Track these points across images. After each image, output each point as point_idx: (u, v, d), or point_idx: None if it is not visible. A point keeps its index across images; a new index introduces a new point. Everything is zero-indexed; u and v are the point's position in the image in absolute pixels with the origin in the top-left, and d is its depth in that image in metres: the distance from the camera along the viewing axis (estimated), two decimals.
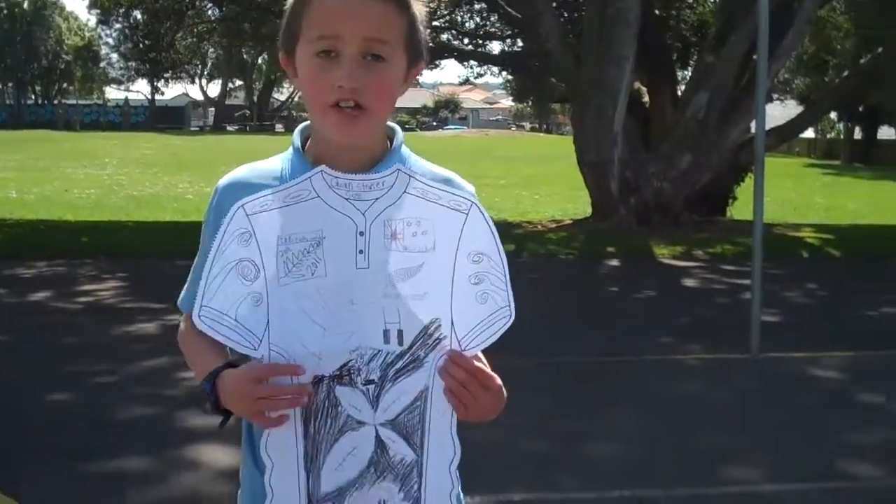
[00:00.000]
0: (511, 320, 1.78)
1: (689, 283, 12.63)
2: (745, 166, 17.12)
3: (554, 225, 18.04)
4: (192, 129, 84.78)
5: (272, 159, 1.92)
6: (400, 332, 1.73)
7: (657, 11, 20.66)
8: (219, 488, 5.08)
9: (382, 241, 1.74)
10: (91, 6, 26.22)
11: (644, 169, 17.09)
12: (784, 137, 20.02)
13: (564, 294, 11.13)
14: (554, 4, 20.02)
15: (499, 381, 1.76)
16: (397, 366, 1.73)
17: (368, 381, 1.73)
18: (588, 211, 18.14)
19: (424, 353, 1.74)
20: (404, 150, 1.88)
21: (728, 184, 18.31)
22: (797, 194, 25.56)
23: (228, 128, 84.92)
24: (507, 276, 1.79)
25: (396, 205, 1.76)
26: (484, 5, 24.75)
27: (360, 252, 1.73)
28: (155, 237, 15.07)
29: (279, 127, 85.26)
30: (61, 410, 6.60)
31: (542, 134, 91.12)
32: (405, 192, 1.77)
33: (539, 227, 17.77)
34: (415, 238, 1.75)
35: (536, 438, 5.99)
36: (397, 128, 1.90)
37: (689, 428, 6.31)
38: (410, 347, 1.74)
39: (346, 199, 1.75)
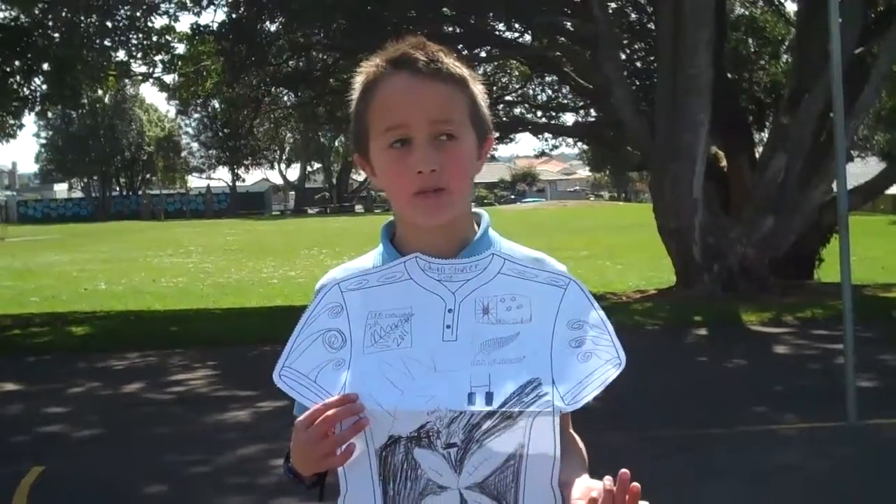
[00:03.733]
0: (622, 367, 1.73)
1: (779, 349, 12.41)
2: (829, 227, 16.87)
3: (639, 295, 17.90)
4: (273, 213, 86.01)
5: (364, 257, 1.94)
6: (488, 395, 1.68)
7: (729, 75, 20.60)
8: None
9: (473, 316, 1.75)
10: (170, 98, 26.82)
11: (726, 234, 16.92)
12: (868, 196, 19.72)
13: (654, 365, 10.99)
14: (625, 73, 20.05)
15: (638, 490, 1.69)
16: (484, 427, 1.67)
17: (450, 445, 1.67)
18: (672, 279, 17.98)
19: (519, 410, 1.68)
20: (492, 233, 1.90)
21: (813, 246, 18.05)
22: (885, 252, 25.08)
23: (309, 210, 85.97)
24: (613, 333, 1.76)
25: (489, 284, 1.77)
26: (555, 78, 24.90)
27: (448, 327, 1.74)
28: (242, 324, 15.24)
29: (359, 208, 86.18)
30: (157, 501, 6.66)
31: (620, 203, 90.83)
32: (499, 272, 1.78)
33: (624, 297, 17.65)
34: (509, 312, 1.75)
35: None
36: (484, 213, 1.92)
37: (789, 500, 6.16)
38: (502, 406, 1.68)
39: (438, 281, 1.77)
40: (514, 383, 1.69)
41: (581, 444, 1.87)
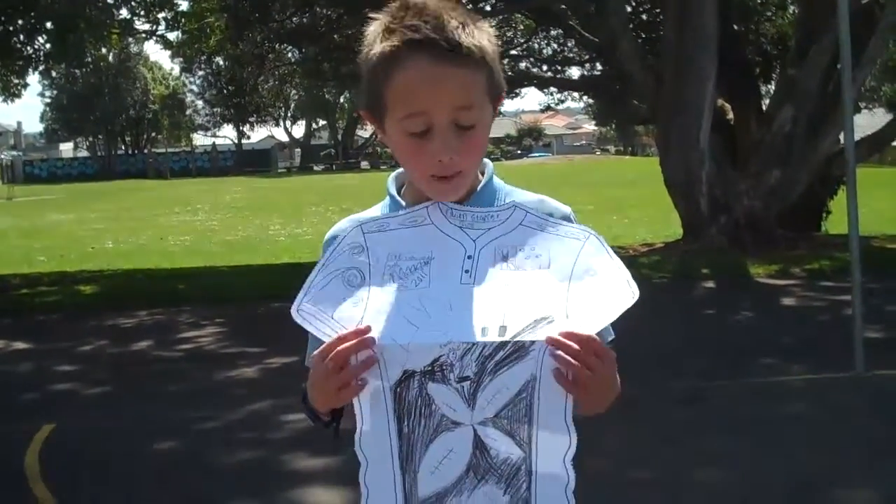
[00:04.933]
0: (635, 298, 1.73)
1: (787, 301, 12.41)
2: (836, 179, 16.83)
3: (646, 248, 17.88)
4: (279, 170, 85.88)
5: (371, 210, 1.96)
6: (502, 328, 1.68)
7: (735, 27, 20.44)
8: None
9: (492, 262, 1.76)
10: (174, 55, 26.75)
11: (733, 187, 16.88)
12: (875, 147, 19.63)
13: (661, 318, 11.00)
14: (630, 26, 19.91)
15: (612, 352, 1.71)
16: (497, 357, 1.67)
17: (463, 378, 1.67)
18: (679, 232, 17.95)
19: (532, 339, 1.67)
20: (496, 180, 1.93)
21: (821, 198, 18.00)
22: (892, 204, 25.00)
23: (315, 167, 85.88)
24: (627, 272, 1.75)
25: (510, 234, 1.79)
26: (560, 31, 24.75)
27: (466, 272, 1.75)
28: (250, 281, 15.26)
29: (365, 164, 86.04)
30: (166, 457, 6.71)
31: (627, 156, 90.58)
32: (521, 224, 1.80)
33: (631, 251, 17.62)
34: (528, 260, 1.77)
35: (640, 466, 5.93)
36: (488, 161, 1.93)
37: (797, 451, 6.19)
38: (514, 336, 1.67)
39: (459, 227, 1.79)
40: (529, 317, 1.69)
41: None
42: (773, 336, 10.03)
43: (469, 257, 1.76)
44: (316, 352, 1.73)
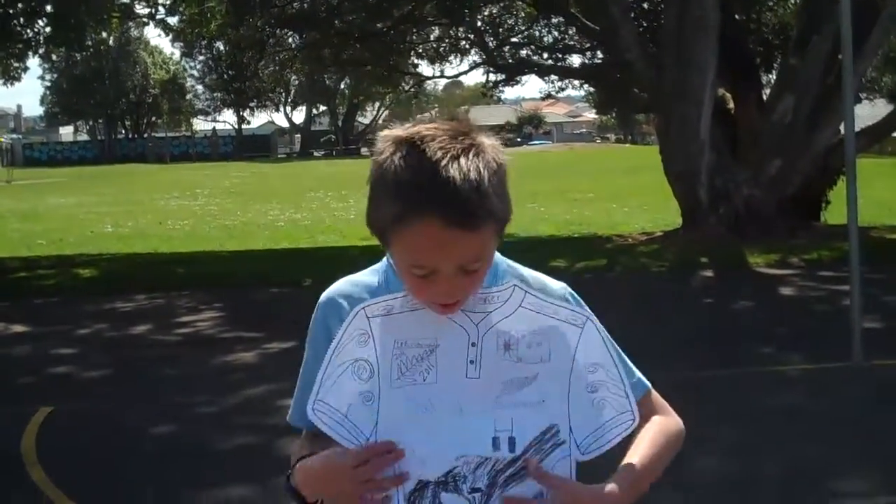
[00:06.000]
0: (635, 424, 1.81)
1: (785, 291, 12.41)
2: (836, 169, 16.78)
3: (645, 237, 17.88)
4: (279, 156, 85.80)
5: (367, 272, 1.92)
6: (511, 440, 1.73)
7: (737, 16, 20.40)
8: None
9: (495, 352, 1.76)
10: (174, 40, 26.70)
11: (733, 176, 16.87)
12: (875, 137, 19.61)
13: (659, 308, 11.01)
14: (631, 14, 19.87)
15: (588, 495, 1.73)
16: (508, 473, 1.72)
17: (474, 490, 1.71)
18: (678, 221, 17.95)
19: (539, 459, 1.73)
20: (497, 256, 1.87)
21: (820, 188, 17.97)
22: (892, 195, 25.00)
23: (315, 153, 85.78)
24: (627, 384, 1.81)
25: (511, 318, 1.78)
26: (561, 19, 24.68)
27: (472, 362, 1.75)
28: (248, 266, 15.27)
29: (365, 150, 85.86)
30: (163, 441, 6.71)
31: (627, 145, 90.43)
32: (520, 306, 1.79)
33: (630, 240, 17.64)
34: (529, 349, 1.77)
35: None
36: None
37: (795, 440, 6.19)
38: (523, 454, 1.73)
39: (462, 310, 1.77)
40: (535, 429, 1.75)
41: (662, 436, 1.91)
42: (772, 326, 10.04)
43: (473, 345, 1.76)
44: (350, 453, 1.72)
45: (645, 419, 1.89)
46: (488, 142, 1.72)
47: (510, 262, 1.92)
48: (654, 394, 1.98)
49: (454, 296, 1.73)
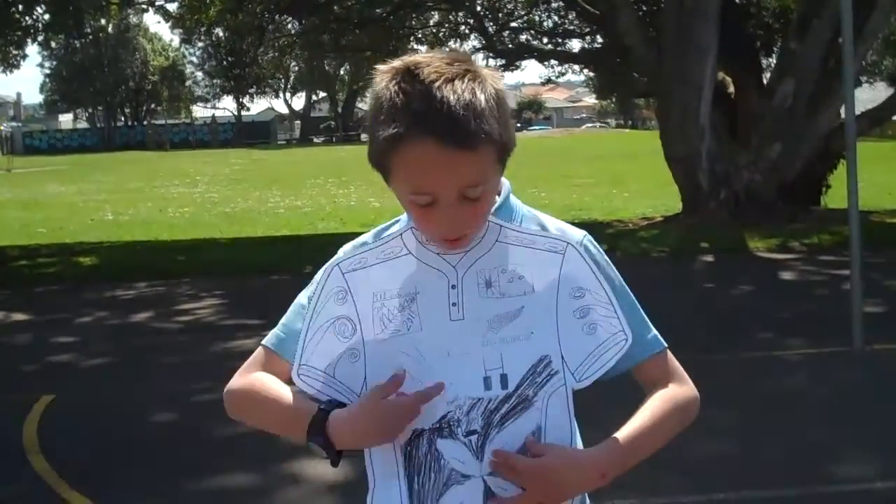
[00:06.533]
0: (628, 344, 1.76)
1: (786, 275, 12.42)
2: (836, 153, 16.76)
3: (645, 222, 17.88)
4: (279, 142, 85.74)
5: (393, 225, 1.88)
6: (503, 377, 1.71)
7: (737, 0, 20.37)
8: (323, 502, 5.13)
9: (476, 291, 1.74)
10: (173, 26, 26.64)
11: (733, 161, 16.86)
12: (875, 121, 19.54)
13: (660, 292, 10.98)
14: None
15: (545, 468, 1.70)
16: (503, 410, 1.70)
17: (470, 432, 1.70)
18: (679, 206, 17.94)
19: (534, 391, 1.71)
20: (513, 199, 1.86)
21: (821, 172, 17.95)
22: (892, 179, 24.98)
23: (315, 139, 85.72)
24: (616, 303, 1.77)
25: (488, 255, 1.75)
26: (561, 3, 24.64)
27: (454, 305, 1.73)
28: (249, 253, 15.26)
29: (364, 136, 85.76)
30: (165, 429, 6.73)
31: (627, 130, 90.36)
32: (497, 241, 1.76)
33: (630, 224, 17.64)
34: (511, 284, 1.74)
35: None
36: (506, 182, 1.85)
37: (795, 425, 6.20)
38: (517, 389, 1.71)
39: (437, 254, 1.75)
40: (526, 362, 1.72)
41: (669, 403, 1.88)
42: (772, 310, 10.03)
43: (453, 287, 1.74)
44: (380, 386, 1.71)
45: (656, 384, 1.86)
46: (486, 71, 1.72)
47: (531, 208, 1.89)
48: (670, 357, 1.92)
49: (457, 227, 1.71)
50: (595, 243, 1.87)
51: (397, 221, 1.87)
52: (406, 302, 1.74)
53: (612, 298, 1.77)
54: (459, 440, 1.70)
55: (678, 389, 1.90)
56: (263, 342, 1.92)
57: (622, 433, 1.76)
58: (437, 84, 1.64)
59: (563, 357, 1.73)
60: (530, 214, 1.87)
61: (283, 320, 1.91)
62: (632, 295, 1.84)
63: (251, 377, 1.89)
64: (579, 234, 1.85)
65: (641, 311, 1.86)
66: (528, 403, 1.71)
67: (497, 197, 1.82)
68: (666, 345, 1.90)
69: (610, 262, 1.84)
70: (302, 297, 1.89)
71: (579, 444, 1.77)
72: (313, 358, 1.76)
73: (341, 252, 1.86)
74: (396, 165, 1.68)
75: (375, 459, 1.75)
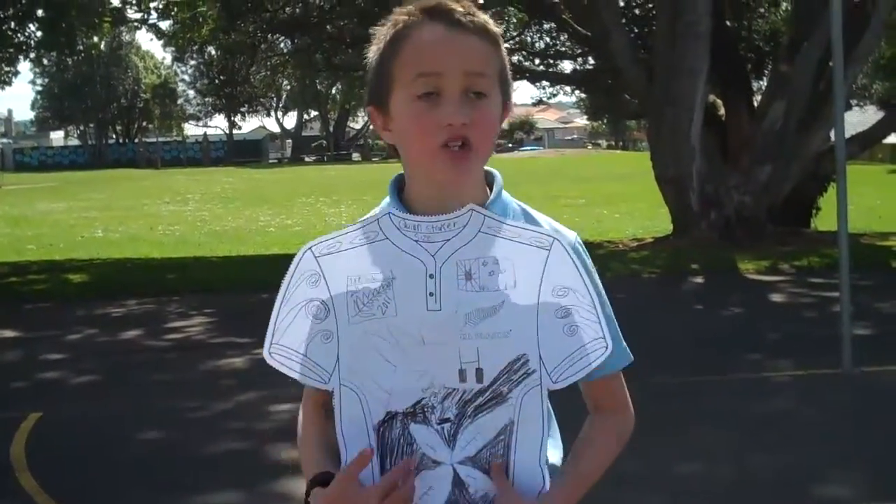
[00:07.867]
0: (607, 352, 1.73)
1: (775, 297, 12.44)
2: (827, 175, 16.83)
3: (636, 243, 17.91)
4: (270, 161, 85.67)
5: (373, 211, 1.86)
6: (479, 371, 1.69)
7: (728, 22, 20.45)
8: None
9: (455, 283, 1.71)
10: (166, 44, 26.66)
11: (724, 182, 16.90)
12: (866, 144, 19.64)
13: (650, 313, 11.01)
14: (623, 21, 19.90)
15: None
16: (476, 402, 1.70)
17: (443, 420, 1.70)
18: (669, 227, 17.98)
19: (508, 388, 1.70)
20: (505, 195, 1.84)
21: (811, 194, 18.02)
22: (882, 201, 25.08)
23: (306, 158, 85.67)
24: (599, 309, 1.73)
25: (470, 245, 1.72)
26: (553, 25, 24.71)
27: (431, 295, 1.70)
28: (239, 272, 15.25)
29: (356, 156, 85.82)
30: (154, 447, 6.70)
31: (618, 151, 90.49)
32: (479, 231, 1.73)
33: (621, 245, 17.67)
34: (492, 277, 1.71)
35: (626, 459, 5.92)
36: (496, 173, 1.85)
37: (782, 447, 6.20)
38: (492, 384, 1.69)
39: (416, 241, 1.73)
40: (503, 359, 1.70)
41: (613, 440, 1.90)
42: (762, 332, 10.04)
43: (431, 276, 1.71)
44: (363, 491, 1.70)
45: (601, 406, 1.87)
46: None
47: (524, 204, 1.87)
48: (621, 378, 1.89)
49: (463, 112, 1.68)
50: (585, 248, 1.85)
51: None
52: (382, 287, 1.72)
53: (595, 303, 1.74)
54: (432, 427, 1.71)
55: (621, 422, 1.91)
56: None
57: (575, 472, 1.81)
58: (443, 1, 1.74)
59: (540, 357, 1.71)
60: (521, 210, 1.85)
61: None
62: (609, 307, 1.81)
63: (302, 419, 1.91)
64: (571, 235, 1.84)
65: (616, 324, 1.83)
66: (502, 399, 1.70)
67: (489, 190, 1.82)
68: (629, 363, 1.87)
69: (595, 270, 1.83)
70: None
71: (557, 438, 1.82)
72: (284, 338, 1.76)
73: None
74: (402, 59, 1.72)
75: (348, 436, 1.73)
